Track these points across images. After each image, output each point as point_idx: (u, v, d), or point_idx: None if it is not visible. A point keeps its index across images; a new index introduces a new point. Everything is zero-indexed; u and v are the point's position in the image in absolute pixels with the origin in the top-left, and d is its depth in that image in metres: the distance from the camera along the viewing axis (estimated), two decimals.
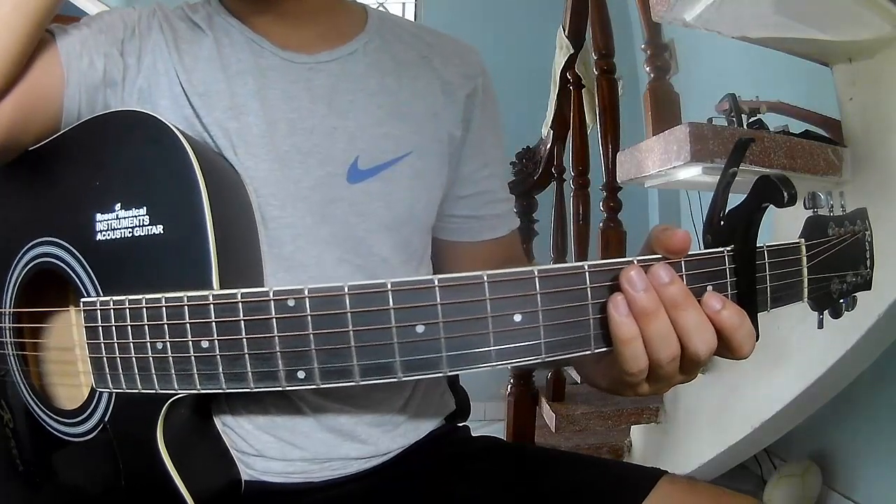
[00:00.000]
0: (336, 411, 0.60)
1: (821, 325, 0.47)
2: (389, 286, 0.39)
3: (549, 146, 1.99)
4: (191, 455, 0.50)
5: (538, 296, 0.38)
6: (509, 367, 0.39)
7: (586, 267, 0.39)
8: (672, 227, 0.41)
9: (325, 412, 0.60)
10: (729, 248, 0.42)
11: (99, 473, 0.51)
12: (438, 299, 0.38)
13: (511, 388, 1.79)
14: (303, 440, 0.60)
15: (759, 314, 0.42)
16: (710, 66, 2.13)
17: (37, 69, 0.53)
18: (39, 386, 0.56)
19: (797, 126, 1.26)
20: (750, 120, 1.29)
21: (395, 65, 0.66)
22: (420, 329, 0.39)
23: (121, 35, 0.58)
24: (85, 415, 0.51)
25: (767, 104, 1.35)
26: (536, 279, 0.38)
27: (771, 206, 0.39)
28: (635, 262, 0.39)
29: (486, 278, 0.38)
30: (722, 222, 0.42)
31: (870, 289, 0.49)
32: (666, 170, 1.18)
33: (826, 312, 0.48)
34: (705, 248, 0.42)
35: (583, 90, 1.85)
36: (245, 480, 0.58)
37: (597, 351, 0.40)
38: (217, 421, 0.56)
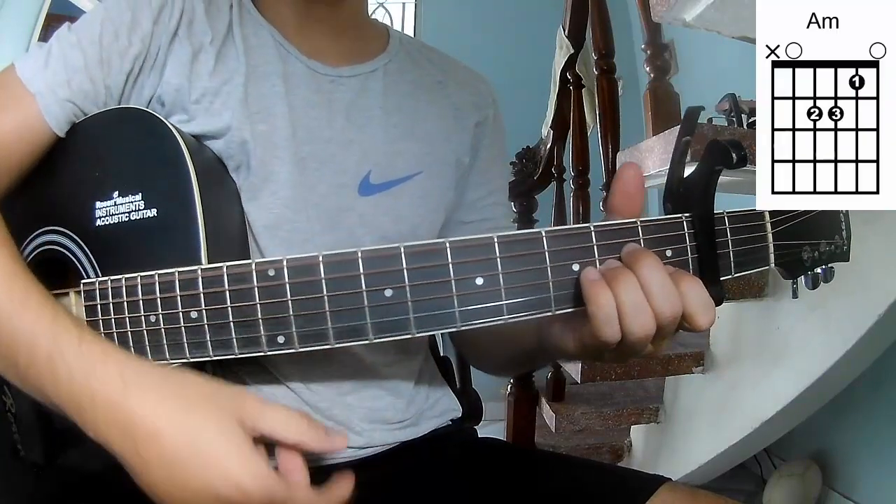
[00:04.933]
0: (329, 403, 0.60)
1: (795, 295, 0.48)
2: (360, 254, 0.42)
3: (549, 146, 1.99)
4: None
5: (498, 260, 0.41)
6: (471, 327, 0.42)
7: (543, 233, 0.42)
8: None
9: (319, 404, 0.60)
10: (687, 214, 0.43)
11: (96, 451, 0.52)
12: (405, 265, 0.41)
13: (511, 388, 1.79)
14: None
15: (725, 278, 0.44)
16: (710, 66, 2.13)
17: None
18: None
19: None
20: (750, 120, 1.30)
21: (412, 87, 0.67)
22: (388, 293, 0.42)
23: (134, 50, 0.56)
24: None
25: None
26: (496, 244, 0.41)
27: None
28: (591, 227, 0.42)
29: (448, 244, 0.41)
30: (680, 189, 0.44)
31: (847, 260, 0.49)
32: (666, 170, 1.18)
33: (801, 281, 0.48)
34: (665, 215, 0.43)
35: (583, 90, 1.85)
36: None
37: (558, 312, 0.42)
38: None
